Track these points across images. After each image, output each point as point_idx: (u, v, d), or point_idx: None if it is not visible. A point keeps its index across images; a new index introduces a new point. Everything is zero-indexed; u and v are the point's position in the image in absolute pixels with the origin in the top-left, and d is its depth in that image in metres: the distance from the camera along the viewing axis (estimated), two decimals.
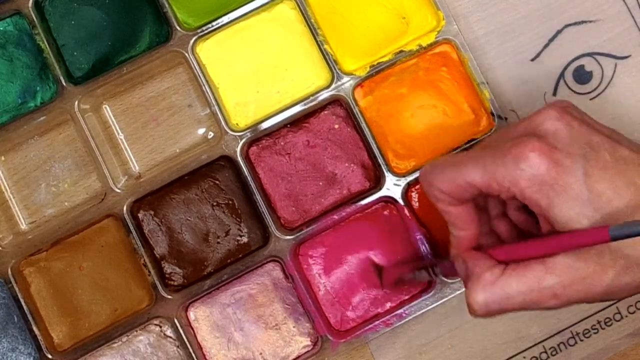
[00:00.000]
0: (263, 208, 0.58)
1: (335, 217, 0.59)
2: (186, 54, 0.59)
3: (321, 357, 0.59)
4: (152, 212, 0.59)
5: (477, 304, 0.46)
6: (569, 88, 0.61)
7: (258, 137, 0.60)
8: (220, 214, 0.59)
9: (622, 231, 0.40)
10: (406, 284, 0.59)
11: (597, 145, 0.44)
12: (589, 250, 0.43)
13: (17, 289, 0.58)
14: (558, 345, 0.60)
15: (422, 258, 0.59)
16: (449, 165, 0.46)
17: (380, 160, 0.59)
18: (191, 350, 0.58)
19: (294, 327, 0.59)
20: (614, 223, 0.40)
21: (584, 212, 0.43)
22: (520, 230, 0.50)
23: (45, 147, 0.61)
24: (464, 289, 0.58)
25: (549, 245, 0.44)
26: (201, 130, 0.61)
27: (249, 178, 0.59)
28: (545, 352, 0.60)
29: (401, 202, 0.59)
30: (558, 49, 0.61)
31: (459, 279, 0.57)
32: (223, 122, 0.59)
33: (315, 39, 0.59)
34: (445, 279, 0.57)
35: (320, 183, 0.60)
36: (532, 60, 0.61)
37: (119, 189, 0.58)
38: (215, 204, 0.60)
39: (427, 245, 0.58)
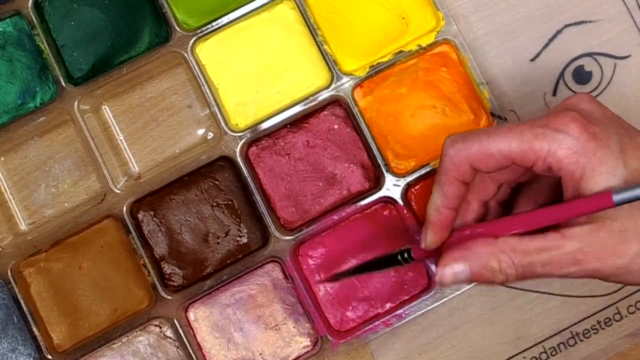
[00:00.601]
0: (263, 208, 0.58)
1: (335, 217, 0.59)
2: (186, 55, 0.59)
3: (321, 358, 0.59)
4: (151, 213, 0.59)
5: (508, 266, 0.45)
6: (569, 88, 0.61)
7: (258, 137, 0.60)
8: (220, 215, 0.59)
9: (625, 195, 0.41)
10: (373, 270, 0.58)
11: (629, 129, 0.46)
12: (613, 223, 0.43)
13: (16, 289, 0.58)
14: (558, 345, 0.60)
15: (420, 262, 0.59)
16: (482, 134, 0.46)
17: (380, 161, 0.59)
18: (191, 351, 0.58)
19: (293, 327, 0.59)
20: None
21: (615, 186, 0.43)
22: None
23: (45, 148, 0.61)
24: (464, 289, 0.58)
25: (557, 212, 0.44)
26: (201, 131, 0.61)
27: (249, 178, 0.59)
28: (545, 352, 0.60)
29: (401, 202, 0.59)
30: (558, 49, 0.61)
31: (431, 260, 0.57)
32: (223, 123, 0.59)
33: (314, 39, 0.59)
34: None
35: (320, 183, 0.60)
36: (532, 60, 0.61)
37: (118, 189, 0.58)
38: (215, 204, 0.60)
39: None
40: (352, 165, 0.60)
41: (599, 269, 0.44)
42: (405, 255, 0.52)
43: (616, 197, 0.41)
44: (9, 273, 0.58)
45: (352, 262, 0.59)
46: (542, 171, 0.45)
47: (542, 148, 0.44)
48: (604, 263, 0.44)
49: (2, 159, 0.61)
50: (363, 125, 0.59)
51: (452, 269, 0.47)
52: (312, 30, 0.59)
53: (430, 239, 0.50)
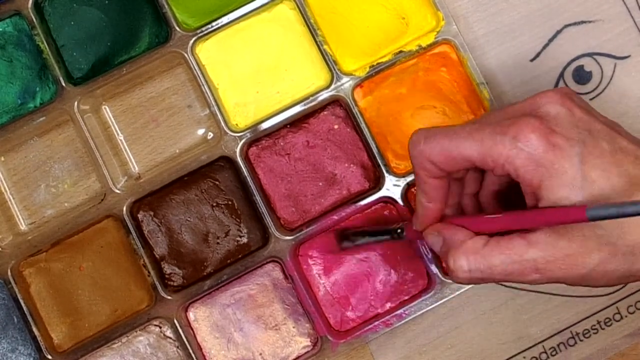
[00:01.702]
0: (263, 208, 0.58)
1: (335, 217, 0.59)
2: (186, 55, 0.59)
3: (321, 358, 0.59)
4: (151, 213, 0.59)
5: (462, 271, 0.46)
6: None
7: (258, 137, 0.60)
8: (220, 215, 0.59)
9: (599, 212, 0.40)
10: (364, 245, 0.58)
11: (597, 133, 0.44)
12: (574, 231, 0.43)
13: (16, 289, 0.58)
14: (558, 345, 0.60)
15: (416, 257, 0.59)
16: (444, 136, 0.46)
17: (380, 161, 0.59)
18: (191, 351, 0.58)
19: (293, 327, 0.59)
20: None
21: (573, 198, 0.43)
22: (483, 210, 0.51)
23: (45, 148, 0.61)
24: (464, 289, 0.59)
25: (528, 219, 0.44)
26: (201, 131, 0.61)
27: (249, 178, 0.59)
28: (545, 352, 0.60)
29: (401, 202, 0.59)
30: (558, 49, 0.61)
31: (431, 261, 0.58)
32: (223, 123, 0.59)
33: (314, 39, 0.59)
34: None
35: (320, 183, 0.60)
36: (532, 60, 0.61)
37: (118, 189, 0.58)
38: (214, 204, 0.60)
39: (426, 245, 0.58)
40: (352, 165, 0.60)
41: (561, 278, 0.44)
42: (399, 231, 0.53)
43: (589, 213, 0.40)
44: (9, 273, 0.58)
45: (353, 263, 0.59)
46: (502, 176, 0.45)
47: (500, 155, 0.44)
48: (566, 273, 0.44)
49: (2, 158, 0.61)
50: (363, 125, 0.59)
51: (432, 237, 0.49)
52: (312, 30, 0.59)
53: (419, 227, 0.50)
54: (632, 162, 0.44)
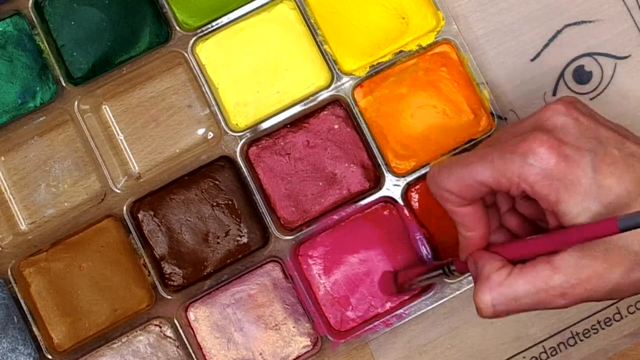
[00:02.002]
0: (263, 208, 0.58)
1: (335, 217, 0.59)
2: (186, 54, 0.59)
3: (321, 358, 0.59)
4: (152, 213, 0.59)
5: (484, 305, 0.45)
6: (569, 88, 0.61)
7: (258, 137, 0.60)
8: (220, 214, 0.59)
9: (631, 221, 0.39)
10: (420, 286, 0.58)
11: (605, 140, 0.44)
12: (596, 247, 0.43)
13: (17, 289, 0.58)
14: (558, 345, 0.60)
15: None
16: (457, 165, 0.46)
17: (380, 161, 0.59)
18: (191, 351, 0.58)
19: (293, 327, 0.59)
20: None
21: (592, 207, 0.43)
22: (530, 222, 0.49)
23: (45, 148, 0.61)
24: (464, 289, 0.58)
25: (556, 240, 0.44)
26: (201, 131, 0.61)
27: (249, 178, 0.59)
28: (545, 352, 0.60)
29: (401, 202, 0.59)
30: (558, 49, 0.61)
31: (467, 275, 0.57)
32: (223, 123, 0.59)
33: (315, 39, 0.59)
34: (451, 279, 0.57)
35: (320, 183, 0.60)
36: (532, 60, 0.61)
37: (118, 189, 0.58)
38: (215, 204, 0.60)
39: (427, 245, 0.58)
40: (352, 165, 0.60)
41: (588, 298, 0.44)
42: (451, 267, 0.51)
43: (622, 224, 0.40)
44: (9, 273, 0.58)
45: (353, 263, 0.59)
46: (519, 195, 0.45)
47: (512, 175, 0.44)
48: (592, 292, 0.44)
49: (2, 158, 0.61)
50: (363, 125, 0.59)
51: (469, 263, 0.48)
52: (312, 30, 0.59)
53: (462, 258, 0.50)
54: None
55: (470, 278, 0.57)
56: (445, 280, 0.56)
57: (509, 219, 0.50)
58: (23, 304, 0.58)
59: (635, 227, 0.39)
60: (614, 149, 0.44)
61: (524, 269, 0.45)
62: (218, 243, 0.59)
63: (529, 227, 0.49)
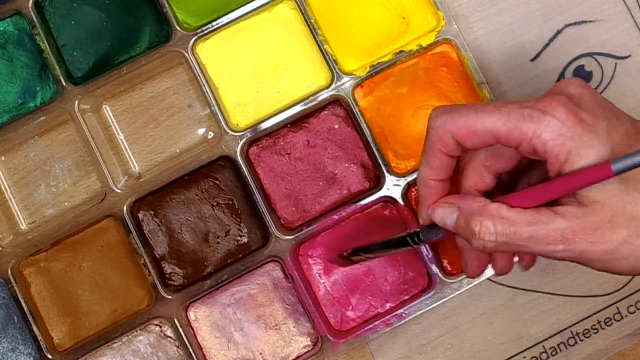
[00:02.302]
0: (263, 208, 0.58)
1: (335, 217, 0.59)
2: (186, 54, 0.59)
3: (321, 357, 0.59)
4: (152, 212, 0.59)
5: (489, 233, 0.45)
6: None
7: (258, 137, 0.60)
8: (220, 214, 0.59)
9: (624, 163, 0.40)
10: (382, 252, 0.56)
11: (619, 113, 0.45)
12: (604, 207, 0.43)
13: (17, 289, 0.58)
14: (558, 345, 0.60)
15: (420, 264, 0.59)
16: (469, 109, 0.46)
17: (380, 160, 0.59)
18: (191, 351, 0.58)
19: (294, 327, 0.59)
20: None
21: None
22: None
23: (45, 147, 0.61)
24: (464, 289, 0.58)
25: (554, 187, 0.44)
26: (201, 130, 0.61)
27: (249, 178, 0.59)
28: (545, 352, 0.60)
29: (401, 202, 0.59)
30: (558, 49, 0.61)
31: (432, 261, 0.57)
32: (223, 122, 0.59)
33: (315, 39, 0.60)
34: (429, 243, 0.57)
35: (320, 183, 0.60)
36: (532, 60, 0.61)
37: (119, 189, 0.58)
38: (215, 204, 0.60)
39: (427, 245, 0.58)
40: (352, 165, 0.60)
41: (585, 251, 0.44)
42: (415, 238, 0.51)
43: (615, 166, 0.40)
44: (9, 273, 0.58)
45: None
46: (528, 153, 0.45)
47: (528, 129, 0.44)
48: (591, 246, 0.43)
49: (3, 158, 0.61)
50: (363, 125, 0.59)
51: (443, 210, 0.47)
52: (313, 30, 0.60)
53: (424, 214, 0.49)
54: None
55: (470, 279, 0.57)
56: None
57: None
58: (23, 304, 0.58)
59: (628, 169, 0.40)
60: (627, 122, 0.45)
61: (525, 210, 0.44)
62: (218, 243, 0.59)
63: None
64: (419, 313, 0.58)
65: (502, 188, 0.50)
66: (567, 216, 0.44)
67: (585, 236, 0.43)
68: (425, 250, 0.59)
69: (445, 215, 0.47)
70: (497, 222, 0.45)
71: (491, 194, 0.49)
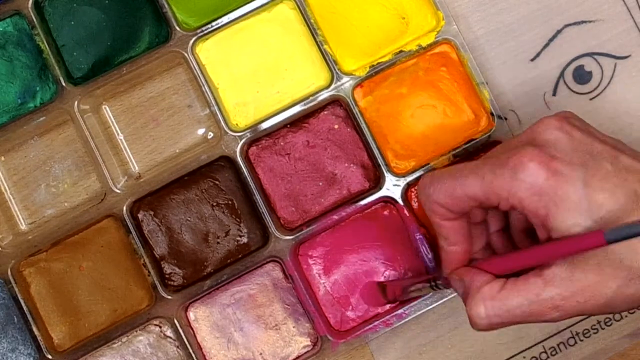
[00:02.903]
0: (263, 208, 0.58)
1: (335, 217, 0.59)
2: (186, 54, 0.59)
3: (321, 358, 0.59)
4: (151, 213, 0.59)
5: (479, 318, 0.45)
6: (569, 88, 0.61)
7: (258, 137, 0.60)
8: (220, 214, 0.59)
9: (618, 234, 0.39)
10: (408, 297, 0.58)
11: (599, 154, 0.44)
12: (589, 261, 0.42)
13: (17, 289, 0.58)
14: (558, 345, 0.60)
15: (424, 273, 0.59)
16: (448, 177, 0.46)
17: (380, 161, 0.59)
18: (191, 351, 0.58)
19: (293, 327, 0.59)
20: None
21: (582, 222, 0.42)
22: (517, 244, 0.50)
23: (45, 148, 0.61)
24: None
25: (543, 253, 0.44)
26: (201, 131, 0.61)
27: (249, 178, 0.59)
28: (545, 352, 0.60)
29: (401, 202, 0.59)
30: (558, 49, 0.61)
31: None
32: (223, 123, 0.59)
33: (315, 39, 0.59)
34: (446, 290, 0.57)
35: (320, 183, 0.60)
36: (532, 60, 0.61)
37: (118, 189, 0.58)
38: (215, 204, 0.60)
39: (426, 245, 0.58)
40: (352, 165, 0.60)
41: (582, 311, 0.44)
42: (433, 282, 0.52)
43: (608, 236, 0.39)
44: (9, 273, 0.58)
45: (354, 262, 0.59)
46: (509, 210, 0.45)
47: (502, 190, 0.44)
48: (585, 305, 0.43)
49: (2, 158, 0.61)
50: (363, 125, 0.59)
51: (454, 282, 0.48)
52: (312, 30, 0.59)
53: (446, 273, 0.50)
54: (637, 180, 0.43)
55: None
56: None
57: (497, 240, 0.50)
58: (23, 304, 0.58)
59: (622, 239, 0.39)
60: (607, 163, 0.43)
61: (516, 282, 0.45)
62: (218, 243, 0.59)
63: (515, 249, 0.49)
64: (419, 313, 0.58)
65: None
66: (555, 282, 0.43)
67: (576, 299, 0.43)
68: (424, 250, 0.59)
69: (457, 287, 0.48)
70: (488, 306, 0.45)
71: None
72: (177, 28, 0.59)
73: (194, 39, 0.59)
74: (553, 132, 0.45)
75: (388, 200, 0.59)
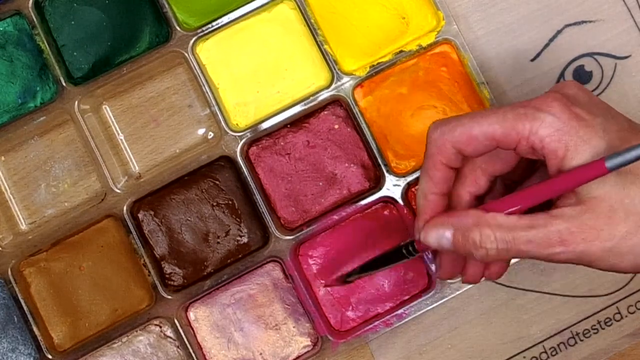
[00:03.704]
0: (263, 208, 0.58)
1: (335, 217, 0.59)
2: (186, 54, 0.59)
3: (321, 358, 0.59)
4: (152, 213, 0.59)
5: (489, 241, 0.44)
6: None
7: (258, 137, 0.60)
8: (220, 214, 0.59)
9: (618, 159, 0.40)
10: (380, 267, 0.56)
11: (614, 113, 0.45)
12: (601, 203, 0.43)
13: (17, 289, 0.58)
14: (558, 345, 0.60)
15: (424, 273, 0.59)
16: (465, 117, 0.46)
17: (380, 161, 0.59)
18: (191, 351, 0.58)
19: (294, 327, 0.59)
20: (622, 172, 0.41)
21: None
22: None
23: (45, 148, 0.61)
24: (464, 289, 0.58)
25: (549, 187, 0.44)
26: (201, 131, 0.61)
27: (249, 178, 0.59)
28: (545, 352, 0.60)
29: (401, 202, 0.59)
30: (558, 49, 0.61)
31: (431, 260, 0.57)
32: (223, 123, 0.59)
33: (315, 39, 0.59)
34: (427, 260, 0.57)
35: (320, 183, 0.60)
36: (532, 60, 0.61)
37: (118, 189, 0.58)
38: (215, 204, 0.60)
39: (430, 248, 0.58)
40: (352, 165, 0.60)
41: (586, 251, 0.43)
42: (410, 248, 0.51)
43: (609, 163, 0.40)
44: (9, 273, 0.58)
45: (354, 263, 0.59)
46: (527, 152, 0.45)
47: (524, 127, 0.44)
48: (591, 245, 0.43)
49: (3, 158, 0.61)
50: (363, 125, 0.59)
51: (437, 232, 0.47)
52: (313, 30, 0.60)
53: (420, 223, 0.49)
54: None
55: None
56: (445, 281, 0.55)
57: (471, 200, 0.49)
58: (23, 304, 0.58)
59: (623, 165, 0.40)
60: (622, 120, 0.45)
61: (523, 216, 0.44)
62: (218, 243, 0.59)
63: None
64: (419, 313, 0.58)
65: (495, 196, 0.50)
66: (564, 217, 0.43)
67: (583, 235, 0.43)
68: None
69: (439, 236, 0.47)
70: (495, 231, 0.45)
71: (481, 200, 0.49)
72: (178, 28, 0.59)
73: (194, 39, 0.59)
74: (572, 88, 0.46)
75: (388, 200, 0.59)
